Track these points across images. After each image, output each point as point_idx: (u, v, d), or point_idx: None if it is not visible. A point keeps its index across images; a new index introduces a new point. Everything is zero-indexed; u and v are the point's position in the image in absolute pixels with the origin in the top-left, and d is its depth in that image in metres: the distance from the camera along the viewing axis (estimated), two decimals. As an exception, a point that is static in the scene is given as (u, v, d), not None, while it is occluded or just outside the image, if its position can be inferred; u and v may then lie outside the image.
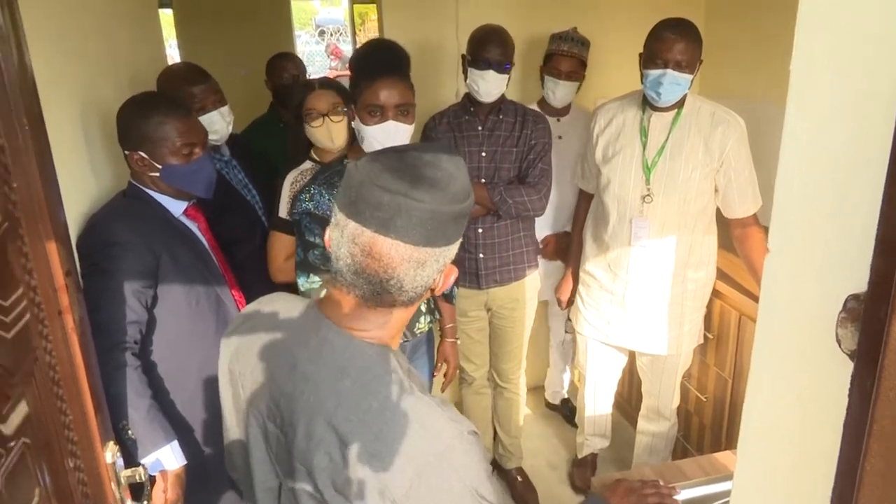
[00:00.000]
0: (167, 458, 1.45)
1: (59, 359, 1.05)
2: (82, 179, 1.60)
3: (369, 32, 8.85)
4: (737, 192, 2.05)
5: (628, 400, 2.99)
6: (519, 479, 2.67)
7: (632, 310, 2.23)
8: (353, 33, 6.55)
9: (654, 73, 1.96)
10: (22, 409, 0.94)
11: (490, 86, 2.16)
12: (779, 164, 0.59)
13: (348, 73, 2.06)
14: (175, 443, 1.47)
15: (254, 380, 0.94)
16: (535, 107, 2.60)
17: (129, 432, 1.40)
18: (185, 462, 1.49)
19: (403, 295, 0.86)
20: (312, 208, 1.64)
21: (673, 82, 1.94)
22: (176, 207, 1.61)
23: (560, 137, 2.58)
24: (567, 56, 2.46)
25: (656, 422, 2.45)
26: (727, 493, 1.41)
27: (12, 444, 0.90)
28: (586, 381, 2.55)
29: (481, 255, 2.30)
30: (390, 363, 0.87)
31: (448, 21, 2.67)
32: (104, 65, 1.87)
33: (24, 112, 0.97)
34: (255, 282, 1.87)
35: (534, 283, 2.44)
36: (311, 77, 3.24)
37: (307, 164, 2.04)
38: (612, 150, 2.15)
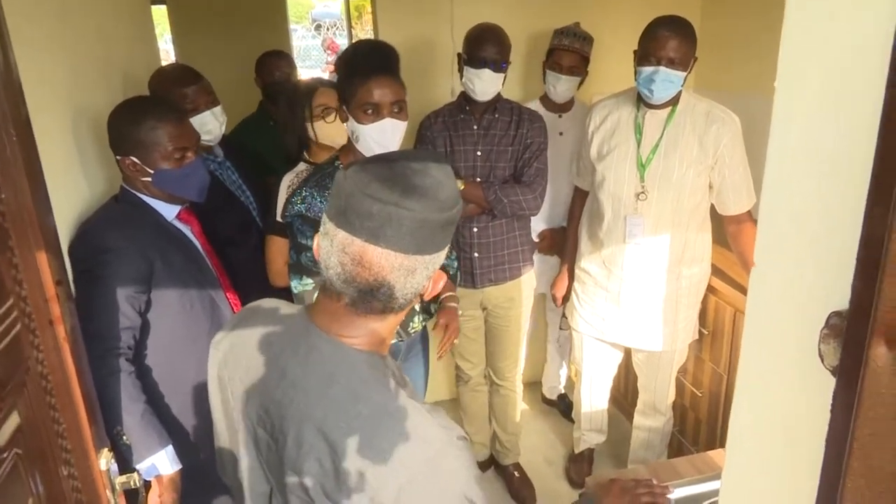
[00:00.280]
0: (162, 463, 1.45)
1: (50, 368, 1.05)
2: (74, 184, 1.59)
3: (366, 26, 8.81)
4: (731, 189, 2.05)
5: (624, 395, 3.00)
6: (516, 474, 2.69)
7: (627, 306, 2.23)
8: (350, 27, 6.52)
9: (646, 70, 1.95)
10: (13, 420, 0.94)
11: (486, 84, 2.15)
12: (763, 179, 0.59)
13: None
14: (170, 447, 1.47)
15: (243, 386, 0.94)
16: (537, 103, 2.60)
17: (124, 438, 1.41)
18: (180, 466, 1.50)
19: (394, 302, 0.86)
20: (304, 210, 1.63)
21: (665, 80, 1.93)
22: (169, 211, 1.60)
23: (561, 133, 2.58)
24: (568, 51, 2.45)
25: (652, 417, 2.46)
26: (719, 492, 1.43)
27: (4, 454, 0.90)
28: (582, 377, 2.56)
29: (476, 255, 2.30)
30: (380, 369, 0.87)
31: (443, 19, 2.66)
32: (95, 65, 1.86)
33: (11, 120, 0.96)
34: (251, 283, 1.87)
35: (529, 281, 2.44)
36: (302, 74, 3.21)
37: (302, 166, 2.04)
38: (606, 148, 2.15)
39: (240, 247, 2.04)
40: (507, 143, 2.23)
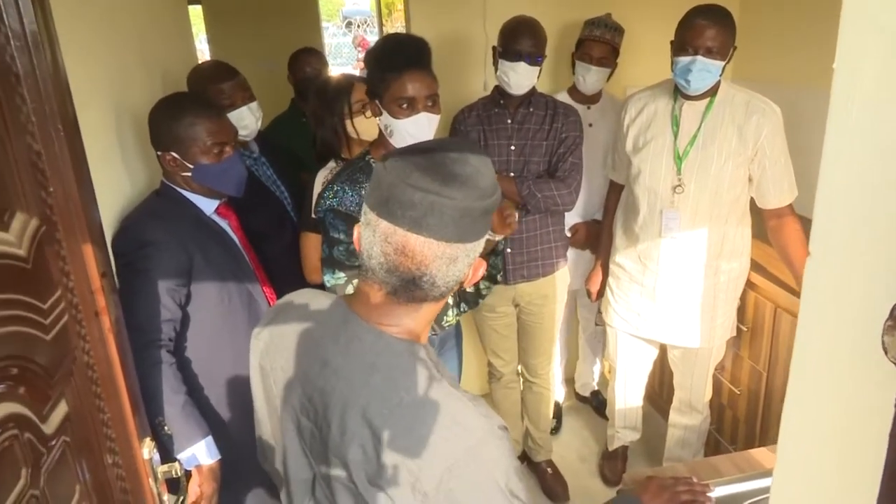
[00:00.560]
0: (202, 453, 1.48)
1: (96, 359, 1.07)
2: (116, 180, 1.62)
3: (396, 23, 8.83)
4: (771, 181, 2.00)
5: (659, 392, 2.96)
6: (549, 471, 2.67)
7: (662, 302, 2.19)
8: (381, 24, 6.54)
9: (683, 60, 1.91)
10: (62, 409, 0.96)
11: (521, 78, 2.13)
12: (822, 162, 0.57)
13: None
14: (209, 438, 1.50)
15: (285, 375, 0.96)
16: (565, 94, 2.57)
17: (166, 428, 1.43)
18: (220, 457, 1.52)
19: (435, 290, 0.87)
20: (336, 205, 1.64)
21: (703, 69, 1.89)
22: (208, 206, 1.63)
23: (590, 125, 2.55)
24: (599, 41, 2.42)
25: (688, 415, 2.42)
26: (762, 491, 1.39)
27: (53, 442, 0.92)
28: (617, 374, 2.53)
29: (508, 250, 2.28)
30: (420, 358, 0.88)
31: (476, 12, 2.64)
32: (136, 64, 1.90)
33: (59, 117, 0.99)
34: (286, 277, 1.89)
35: (563, 278, 2.42)
36: (334, 72, 3.22)
37: (333, 163, 2.05)
38: (642, 140, 2.12)
39: (274, 242, 2.06)
40: (541, 137, 2.21)
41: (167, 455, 1.43)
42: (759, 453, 1.56)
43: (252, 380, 1.02)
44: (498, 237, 1.62)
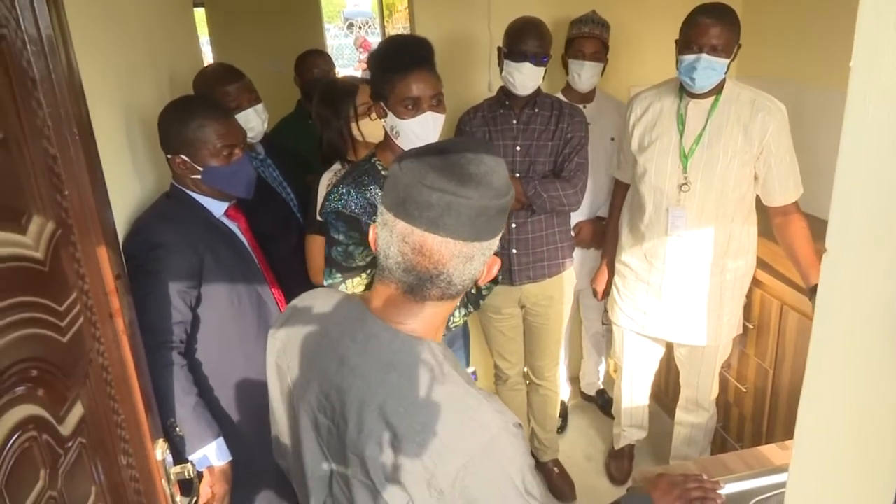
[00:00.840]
0: (213, 455, 1.49)
1: (110, 360, 1.08)
2: (127, 183, 1.63)
3: (397, 24, 8.84)
4: (777, 179, 2.01)
5: (665, 391, 2.96)
6: (556, 470, 2.67)
7: (668, 300, 2.20)
8: (382, 25, 6.55)
9: (688, 58, 1.92)
10: (78, 410, 0.97)
11: (526, 78, 2.14)
12: (838, 159, 0.58)
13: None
14: (221, 439, 1.50)
15: (302, 373, 0.96)
16: (559, 95, 2.58)
17: (178, 429, 1.44)
18: (231, 458, 1.52)
19: (452, 289, 0.88)
20: (341, 207, 1.64)
21: (708, 67, 1.90)
22: (217, 208, 1.64)
23: (588, 124, 2.55)
24: (589, 38, 2.45)
25: (695, 413, 2.43)
26: (772, 488, 1.40)
27: (70, 444, 0.93)
28: (623, 372, 2.53)
29: (514, 251, 2.28)
30: (436, 355, 0.88)
31: (480, 13, 2.65)
32: (145, 67, 1.91)
33: (74, 121, 0.99)
34: (292, 278, 1.89)
35: (570, 279, 2.42)
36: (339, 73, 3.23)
37: (339, 165, 2.05)
38: (648, 139, 2.12)
39: (280, 243, 2.07)
40: (546, 137, 2.21)
41: (179, 456, 1.43)
42: (768, 450, 1.57)
43: (269, 378, 1.03)
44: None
